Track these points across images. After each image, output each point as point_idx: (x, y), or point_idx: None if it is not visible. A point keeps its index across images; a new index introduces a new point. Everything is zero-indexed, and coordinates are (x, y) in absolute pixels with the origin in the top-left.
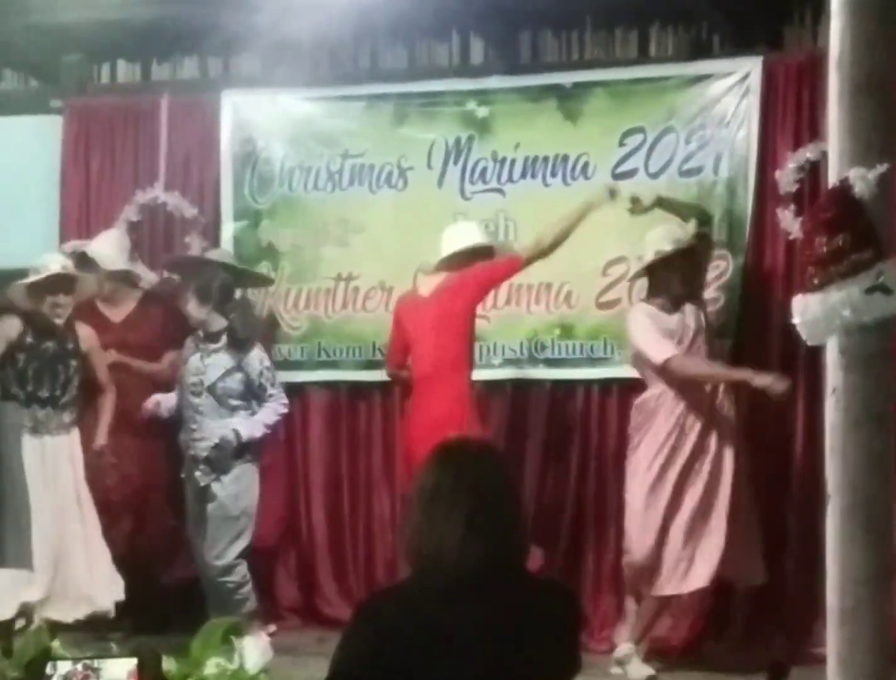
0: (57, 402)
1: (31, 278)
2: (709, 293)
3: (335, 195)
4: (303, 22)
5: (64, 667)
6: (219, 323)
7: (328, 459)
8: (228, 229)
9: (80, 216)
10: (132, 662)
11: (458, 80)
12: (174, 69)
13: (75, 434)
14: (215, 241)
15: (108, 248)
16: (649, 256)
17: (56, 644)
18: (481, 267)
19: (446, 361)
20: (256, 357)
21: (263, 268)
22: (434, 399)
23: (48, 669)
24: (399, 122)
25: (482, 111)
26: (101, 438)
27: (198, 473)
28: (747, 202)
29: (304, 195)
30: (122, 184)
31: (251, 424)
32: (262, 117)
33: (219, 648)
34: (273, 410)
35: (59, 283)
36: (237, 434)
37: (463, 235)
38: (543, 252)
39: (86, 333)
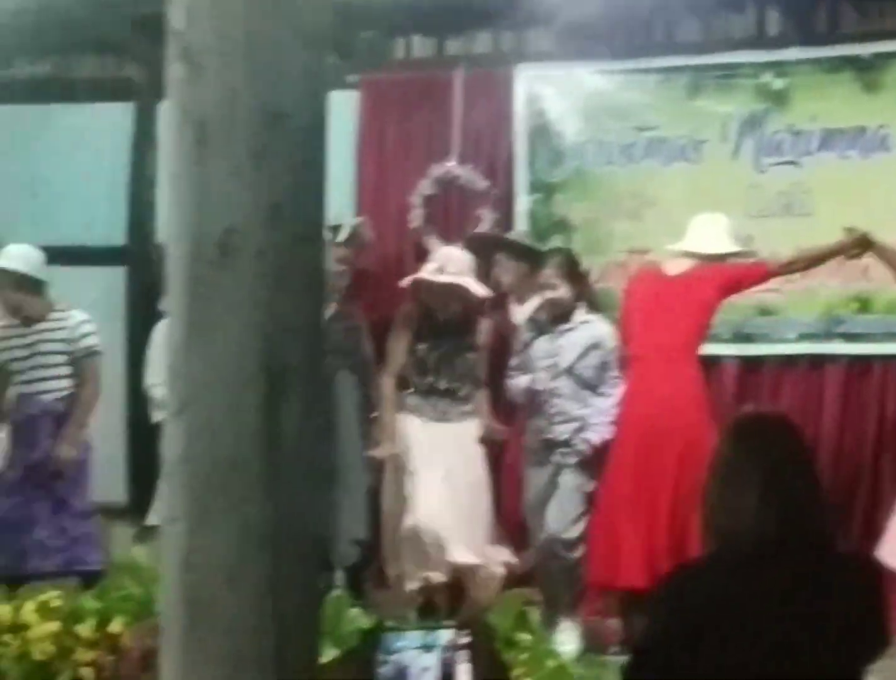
0: (456, 393)
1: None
2: None
3: (628, 169)
4: None
5: (445, 636)
6: (570, 300)
7: None
8: (522, 203)
9: (377, 189)
10: (464, 635)
11: (753, 51)
12: (468, 43)
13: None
14: (507, 215)
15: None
16: None
17: (355, 612)
18: (735, 268)
19: (679, 344)
20: (608, 333)
21: (556, 241)
22: (660, 378)
23: (428, 639)
24: (694, 95)
25: (778, 83)
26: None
27: (556, 457)
28: None
29: (597, 169)
30: (417, 157)
31: (601, 428)
32: (555, 91)
33: (515, 621)
34: (611, 401)
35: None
36: (588, 442)
37: (714, 236)
38: (791, 272)
39: (486, 327)
